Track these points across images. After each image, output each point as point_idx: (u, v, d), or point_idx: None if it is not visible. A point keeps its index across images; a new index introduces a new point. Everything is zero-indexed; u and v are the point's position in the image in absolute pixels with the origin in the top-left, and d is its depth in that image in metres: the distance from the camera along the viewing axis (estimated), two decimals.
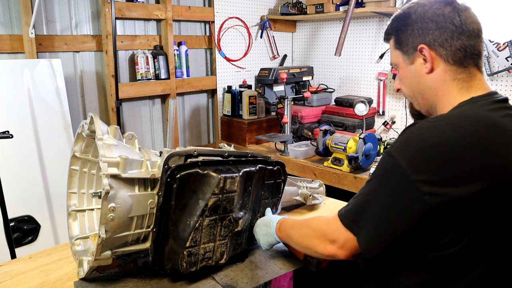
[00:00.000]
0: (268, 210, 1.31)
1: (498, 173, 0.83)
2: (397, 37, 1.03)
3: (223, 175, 1.09)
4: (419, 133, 0.87)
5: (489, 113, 0.89)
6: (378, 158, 2.35)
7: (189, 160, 1.11)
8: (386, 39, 1.08)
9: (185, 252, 1.10)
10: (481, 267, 0.87)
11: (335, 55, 2.83)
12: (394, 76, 2.97)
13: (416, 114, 1.08)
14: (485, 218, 0.84)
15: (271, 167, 1.28)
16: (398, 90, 1.10)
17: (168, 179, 1.05)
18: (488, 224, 0.84)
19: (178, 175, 1.06)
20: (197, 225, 1.09)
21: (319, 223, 1.05)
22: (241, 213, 1.21)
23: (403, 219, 0.87)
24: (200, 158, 1.14)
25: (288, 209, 1.64)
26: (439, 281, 0.90)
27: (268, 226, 1.22)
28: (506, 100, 0.95)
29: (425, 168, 0.83)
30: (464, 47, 0.94)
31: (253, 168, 1.21)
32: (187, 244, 1.10)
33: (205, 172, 1.09)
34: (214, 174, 1.09)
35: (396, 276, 0.98)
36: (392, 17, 1.06)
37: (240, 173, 1.14)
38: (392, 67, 1.11)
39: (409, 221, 0.86)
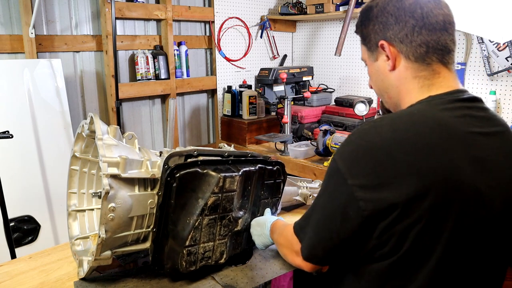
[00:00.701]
0: (268, 211, 1.31)
1: (435, 176, 0.76)
2: (361, 33, 0.97)
3: (223, 174, 1.09)
4: (358, 135, 0.83)
5: (440, 113, 0.82)
6: None
7: (189, 160, 1.11)
8: (356, 32, 1.01)
9: (184, 251, 1.10)
10: (421, 277, 0.80)
11: (335, 55, 2.83)
12: None
13: (386, 112, 1.03)
14: (423, 226, 0.76)
15: (270, 167, 1.28)
16: (371, 87, 1.04)
17: (168, 178, 1.05)
18: (426, 232, 0.77)
19: (178, 174, 1.06)
20: (196, 224, 1.10)
21: (288, 232, 1.03)
22: (241, 212, 1.21)
23: (342, 225, 0.82)
24: (201, 158, 1.14)
25: (288, 209, 1.64)
26: None
27: (263, 227, 1.22)
28: (471, 99, 0.87)
29: (360, 172, 0.79)
30: (426, 42, 0.86)
31: (253, 168, 1.21)
32: (187, 243, 1.10)
33: (205, 171, 1.10)
34: (213, 173, 1.09)
35: (345, 285, 0.95)
36: (360, 11, 1.00)
37: (240, 173, 1.15)
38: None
39: (348, 227, 0.81)
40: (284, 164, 1.34)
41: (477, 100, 0.88)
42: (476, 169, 0.79)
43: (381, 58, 0.93)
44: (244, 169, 1.18)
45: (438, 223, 0.77)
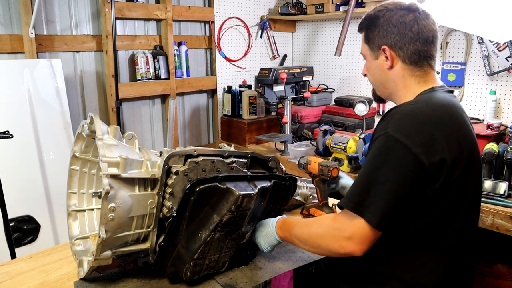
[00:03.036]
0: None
1: (466, 142, 1.05)
2: (366, 34, 1.20)
3: (242, 193, 1.08)
4: (406, 113, 1.03)
5: (450, 98, 1.11)
6: None
7: (209, 174, 1.12)
8: (359, 31, 1.24)
9: (191, 263, 1.10)
10: (450, 232, 1.05)
11: (335, 55, 2.83)
12: None
13: (377, 98, 1.29)
14: (460, 182, 1.02)
15: (284, 181, 1.27)
16: (365, 75, 1.27)
17: (187, 191, 1.05)
18: (461, 188, 1.03)
19: (198, 188, 1.06)
20: (208, 239, 1.09)
21: (329, 221, 1.06)
22: (249, 226, 1.21)
23: (409, 188, 0.97)
24: (200, 158, 1.14)
25: (288, 209, 1.64)
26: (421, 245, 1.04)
27: (267, 227, 1.22)
28: (452, 91, 1.17)
29: (419, 141, 0.97)
30: (419, 52, 1.13)
31: (269, 184, 1.20)
32: (195, 256, 1.10)
33: (225, 187, 1.09)
34: (233, 191, 1.08)
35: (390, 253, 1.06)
36: (365, 14, 1.21)
37: (257, 190, 1.13)
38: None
39: (415, 189, 0.98)
40: (297, 179, 1.33)
41: (453, 92, 1.19)
42: (475, 138, 1.12)
43: (381, 57, 1.17)
44: (261, 185, 1.17)
45: (467, 181, 1.05)
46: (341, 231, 1.00)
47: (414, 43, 1.12)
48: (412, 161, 0.96)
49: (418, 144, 0.97)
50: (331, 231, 1.03)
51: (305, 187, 1.63)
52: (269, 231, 1.20)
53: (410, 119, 1.01)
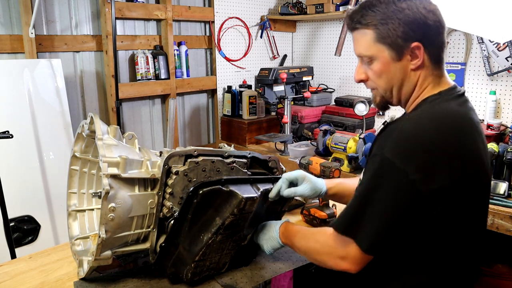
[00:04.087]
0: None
1: (471, 159, 0.93)
2: (380, 31, 0.97)
3: (245, 196, 1.08)
4: (407, 133, 0.92)
5: (457, 107, 0.97)
6: None
7: (213, 177, 1.11)
8: (355, 28, 1.01)
9: (193, 265, 1.10)
10: (462, 247, 0.99)
11: (335, 55, 2.83)
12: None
13: (384, 105, 1.09)
14: (467, 202, 0.94)
15: None
16: (361, 81, 1.07)
17: (190, 194, 1.05)
18: (469, 206, 0.95)
19: (201, 191, 1.06)
20: (210, 241, 1.09)
21: (325, 238, 1.04)
22: (250, 228, 1.21)
23: (404, 214, 0.91)
24: (200, 158, 1.14)
25: (289, 209, 1.63)
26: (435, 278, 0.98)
27: (270, 231, 1.21)
28: (463, 94, 1.02)
29: (418, 166, 0.88)
30: (443, 44, 0.99)
31: (271, 187, 1.20)
32: (197, 258, 1.10)
33: (228, 190, 1.09)
34: (236, 194, 1.08)
35: (395, 276, 1.00)
36: (367, 5, 0.99)
37: (259, 193, 1.14)
38: (360, 57, 1.05)
39: (410, 216, 0.91)
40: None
41: (464, 94, 1.03)
42: (485, 150, 1.00)
43: (406, 57, 0.98)
44: (264, 188, 1.17)
45: (471, 204, 0.96)
46: (335, 249, 0.99)
47: (442, 33, 0.97)
48: (408, 188, 0.88)
49: (416, 170, 0.88)
50: (326, 248, 1.03)
51: None
52: (272, 235, 1.20)
53: (410, 140, 0.91)
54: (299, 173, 1.27)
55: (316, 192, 1.27)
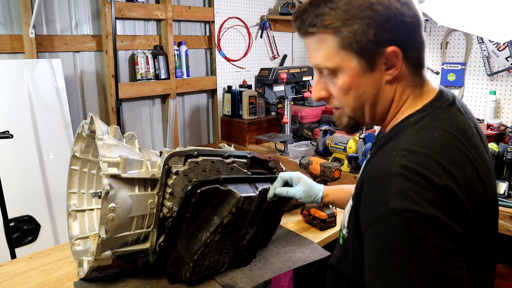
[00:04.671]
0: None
1: (473, 188, 0.71)
2: (344, 35, 0.74)
3: (243, 195, 1.08)
4: (413, 171, 0.67)
5: (452, 128, 0.75)
6: None
7: (211, 177, 1.10)
8: (309, 32, 0.77)
9: (191, 264, 1.10)
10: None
11: None
12: None
13: (351, 127, 0.84)
14: (477, 232, 0.73)
15: None
16: (321, 99, 0.83)
17: (188, 193, 1.05)
18: (477, 238, 0.73)
19: (199, 190, 1.06)
20: (208, 241, 1.09)
21: None
22: (249, 228, 1.21)
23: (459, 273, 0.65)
24: (200, 158, 1.14)
25: (288, 209, 1.63)
26: None
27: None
28: (454, 101, 0.80)
29: (447, 206, 0.65)
30: (423, 43, 0.78)
31: (270, 186, 1.20)
32: (195, 257, 1.10)
33: (226, 189, 1.09)
34: (234, 193, 1.08)
35: None
36: (323, 1, 0.74)
37: (258, 193, 1.14)
38: (318, 70, 0.81)
39: (463, 271, 0.65)
40: None
41: (456, 99, 0.82)
42: (488, 175, 0.78)
43: (379, 67, 0.76)
44: (262, 187, 1.17)
45: (481, 229, 0.75)
46: None
47: (419, 34, 0.76)
48: (448, 236, 0.64)
49: (449, 214, 0.64)
50: None
51: None
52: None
53: (421, 180, 0.66)
54: (295, 174, 1.24)
55: (311, 197, 1.23)
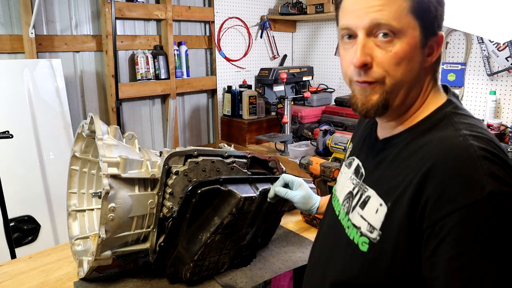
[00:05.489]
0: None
1: None
2: (424, 1, 0.70)
3: (244, 195, 1.08)
4: (501, 157, 0.63)
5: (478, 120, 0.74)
6: None
7: (212, 177, 1.10)
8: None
9: (191, 264, 1.11)
10: None
11: (335, 55, 2.83)
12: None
13: (379, 108, 0.75)
14: None
15: None
16: (364, 65, 0.73)
17: (189, 193, 1.05)
18: None
19: (200, 191, 1.06)
20: (209, 241, 1.09)
21: None
22: (249, 228, 1.21)
23: None
24: (200, 158, 1.14)
25: (288, 209, 1.63)
26: None
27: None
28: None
29: None
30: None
31: (270, 186, 1.20)
32: (195, 258, 1.10)
33: (226, 189, 1.09)
34: (235, 194, 1.08)
35: None
36: None
37: (258, 193, 1.14)
38: (370, 30, 0.71)
39: None
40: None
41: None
42: None
43: (425, 50, 0.73)
44: (263, 188, 1.17)
45: None
46: None
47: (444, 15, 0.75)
48: None
49: None
50: None
51: None
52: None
53: (503, 164, 0.63)
54: (298, 179, 1.23)
55: (307, 204, 1.21)
